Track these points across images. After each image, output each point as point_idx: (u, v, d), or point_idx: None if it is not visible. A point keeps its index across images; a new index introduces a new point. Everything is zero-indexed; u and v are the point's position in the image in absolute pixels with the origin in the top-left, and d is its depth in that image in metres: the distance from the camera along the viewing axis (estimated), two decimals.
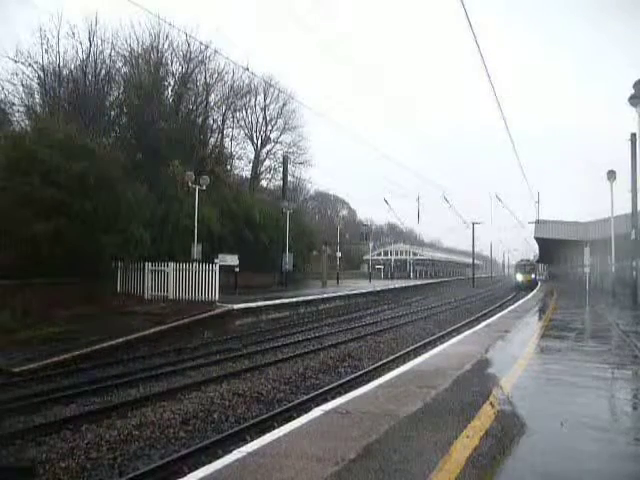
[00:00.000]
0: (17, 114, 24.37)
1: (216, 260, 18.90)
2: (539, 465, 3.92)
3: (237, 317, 16.98)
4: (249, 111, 38.89)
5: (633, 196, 21.02)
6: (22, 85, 23.84)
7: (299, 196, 51.91)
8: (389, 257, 74.30)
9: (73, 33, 24.13)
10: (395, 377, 7.10)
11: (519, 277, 49.21)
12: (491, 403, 5.53)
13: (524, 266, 50.99)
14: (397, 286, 38.35)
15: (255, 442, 4.54)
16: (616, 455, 4.22)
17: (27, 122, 23.31)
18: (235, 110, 35.78)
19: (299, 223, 32.96)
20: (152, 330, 13.54)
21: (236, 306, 16.94)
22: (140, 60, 27.52)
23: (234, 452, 4.31)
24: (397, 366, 8.95)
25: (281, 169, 36.55)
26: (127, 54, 27.14)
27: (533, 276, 49.42)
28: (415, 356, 10.38)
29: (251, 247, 26.46)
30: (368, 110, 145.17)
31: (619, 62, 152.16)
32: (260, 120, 39.88)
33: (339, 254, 41.69)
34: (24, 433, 6.62)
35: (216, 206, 24.04)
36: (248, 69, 19.71)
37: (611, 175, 21.90)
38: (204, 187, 21.21)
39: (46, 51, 23.68)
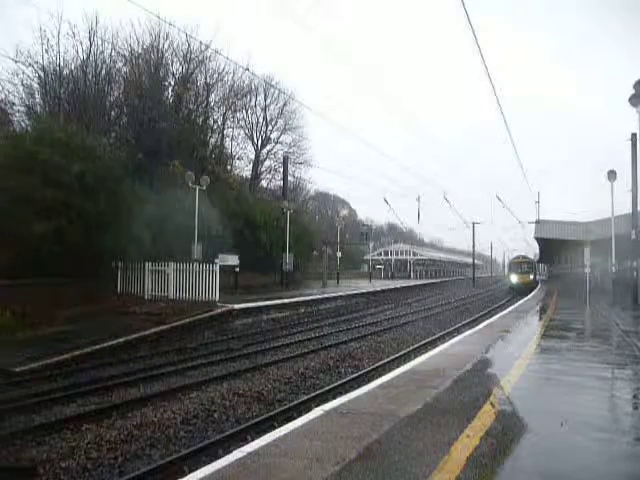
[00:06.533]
0: (17, 114, 24.36)
1: (216, 260, 18.88)
2: (540, 465, 3.92)
3: (238, 317, 16.97)
4: (249, 111, 38.90)
5: (633, 196, 21.01)
6: (22, 85, 23.84)
7: (299, 196, 51.83)
8: (389, 257, 74.33)
9: (73, 33, 24.14)
10: (395, 377, 7.10)
11: (514, 278, 39.07)
12: (491, 403, 5.53)
13: (520, 264, 40.44)
14: (397, 286, 38.33)
15: (255, 442, 4.54)
16: (616, 455, 4.22)
17: (27, 122, 23.34)
18: (235, 110, 35.73)
19: (299, 223, 32.94)
20: (152, 330, 13.55)
21: (237, 306, 16.95)
22: (140, 60, 27.49)
23: (234, 452, 4.32)
24: (397, 366, 8.96)
25: (281, 169, 36.48)
26: (127, 54, 27.14)
27: (532, 277, 40.29)
28: (415, 356, 10.40)
29: (251, 247, 26.45)
30: (368, 110, 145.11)
31: (620, 61, 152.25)
32: (260, 120, 39.94)
33: (339, 254, 41.66)
34: (24, 433, 6.62)
35: (216, 206, 24.02)
36: (248, 69, 19.82)
37: (611, 175, 21.87)
38: (204, 187, 21.20)
39: (46, 51, 23.67)
